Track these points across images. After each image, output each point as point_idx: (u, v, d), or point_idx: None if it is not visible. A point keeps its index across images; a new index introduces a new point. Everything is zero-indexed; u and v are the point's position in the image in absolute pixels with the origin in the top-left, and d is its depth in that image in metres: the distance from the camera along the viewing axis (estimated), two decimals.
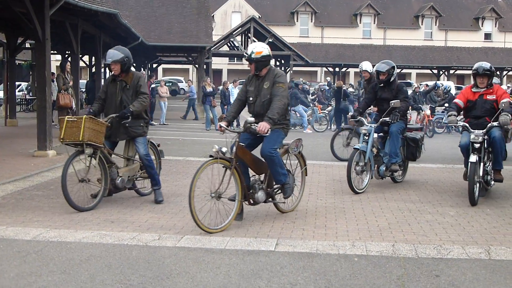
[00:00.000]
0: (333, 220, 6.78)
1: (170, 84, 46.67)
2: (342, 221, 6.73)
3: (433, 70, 48.83)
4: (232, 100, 21.48)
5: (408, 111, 9.16)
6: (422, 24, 60.90)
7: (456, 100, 8.21)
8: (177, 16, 30.99)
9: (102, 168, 7.14)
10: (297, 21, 60.13)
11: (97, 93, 22.01)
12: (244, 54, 6.62)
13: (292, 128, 20.65)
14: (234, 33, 39.56)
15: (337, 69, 46.78)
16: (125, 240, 5.69)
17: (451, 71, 48.22)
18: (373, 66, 9.05)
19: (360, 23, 60.50)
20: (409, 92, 24.55)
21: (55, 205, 7.18)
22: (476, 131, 7.64)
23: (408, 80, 51.75)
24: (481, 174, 7.54)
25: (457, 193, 8.42)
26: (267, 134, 6.24)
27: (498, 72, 49.14)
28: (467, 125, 7.81)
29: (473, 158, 7.44)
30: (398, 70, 52.55)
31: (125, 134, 7.38)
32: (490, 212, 7.22)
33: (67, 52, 23.99)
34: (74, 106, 15.71)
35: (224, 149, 6.05)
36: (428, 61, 46.95)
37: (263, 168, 6.58)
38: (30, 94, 28.71)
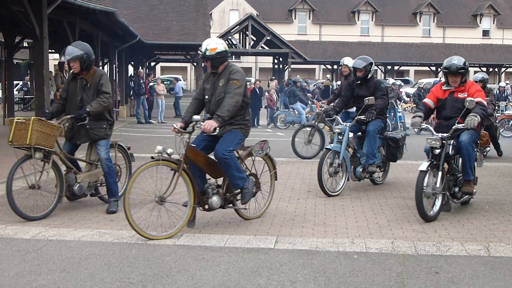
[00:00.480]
0: (332, 217, 6.78)
1: (169, 82, 46.61)
2: (341, 218, 6.73)
3: (431, 67, 48.83)
4: None
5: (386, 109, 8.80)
6: (420, 21, 60.87)
7: (425, 100, 7.33)
8: (175, 14, 30.94)
9: (57, 174, 6.66)
10: (295, 18, 60.06)
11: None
12: (199, 51, 6.24)
13: (291, 126, 20.66)
14: (232, 31, 39.51)
15: (335, 67, 46.75)
16: (125, 239, 5.69)
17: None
18: None
19: (358, 20, 60.45)
20: (414, 89, 24.39)
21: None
22: (438, 134, 6.69)
23: (407, 77, 51.84)
24: (438, 185, 6.51)
25: None
26: (215, 133, 5.82)
27: (496, 69, 49.29)
28: (430, 127, 6.96)
29: (423, 165, 6.45)
30: (397, 68, 52.46)
31: (86, 136, 6.91)
32: (489, 209, 7.23)
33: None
34: None
35: (169, 150, 5.67)
36: (426, 58, 46.96)
37: (221, 172, 6.17)
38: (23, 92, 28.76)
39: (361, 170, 8.36)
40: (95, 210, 6.94)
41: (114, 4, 22.54)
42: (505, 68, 49.51)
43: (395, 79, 26.86)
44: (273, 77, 28.33)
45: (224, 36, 39.33)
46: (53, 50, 23.23)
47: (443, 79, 7.46)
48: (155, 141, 14.08)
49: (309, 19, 60.10)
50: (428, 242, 5.69)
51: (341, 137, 8.13)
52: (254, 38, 40.83)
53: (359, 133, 8.57)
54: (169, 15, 30.66)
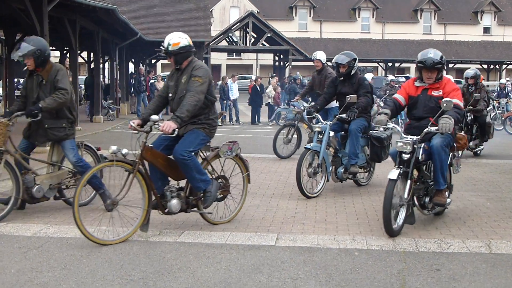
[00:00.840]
0: (334, 214, 6.78)
1: None
2: (342, 215, 6.73)
3: None
4: (231, 96, 21.51)
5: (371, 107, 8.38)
6: (420, 18, 60.78)
7: (396, 95, 6.49)
8: (175, 11, 30.93)
9: (12, 175, 6.24)
10: (295, 15, 59.99)
11: (96, 89, 22.00)
12: (161, 47, 5.92)
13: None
14: (232, 28, 39.51)
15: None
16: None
17: (450, 65, 48.10)
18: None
19: (358, 17, 60.36)
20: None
21: (55, 201, 7.16)
22: (408, 137, 5.92)
23: (407, 75, 51.75)
24: (405, 195, 5.75)
25: (458, 187, 8.40)
26: (174, 135, 5.49)
27: (497, 66, 49.26)
28: (398, 127, 6.23)
29: (393, 173, 5.68)
30: (397, 65, 52.32)
31: (44, 136, 6.52)
32: (491, 206, 7.22)
33: (65, 48, 23.95)
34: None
35: (124, 151, 5.37)
36: None
37: (183, 174, 5.83)
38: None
39: (342, 170, 8.02)
40: (96, 208, 6.94)
41: (114, 2, 22.51)
42: (506, 65, 49.43)
43: (396, 76, 26.81)
44: (274, 74, 28.31)
45: (225, 33, 39.34)
46: (53, 48, 23.22)
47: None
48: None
49: (310, 16, 60.03)
50: (429, 239, 5.69)
51: (321, 136, 7.83)
52: (255, 35, 40.85)
53: (342, 132, 8.24)
54: (169, 12, 30.65)
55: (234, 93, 21.65)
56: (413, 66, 57.94)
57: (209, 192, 5.88)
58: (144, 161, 5.56)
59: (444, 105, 5.73)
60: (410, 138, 5.84)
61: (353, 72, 8.22)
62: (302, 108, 11.09)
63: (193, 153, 5.73)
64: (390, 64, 48.36)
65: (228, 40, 42.22)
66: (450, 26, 60.31)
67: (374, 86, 19.76)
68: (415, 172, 5.94)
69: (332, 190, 8.19)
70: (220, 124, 20.67)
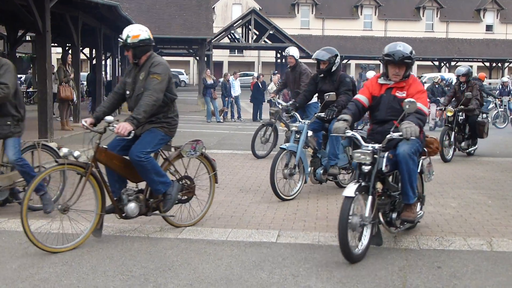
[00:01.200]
0: (335, 211, 6.76)
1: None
2: None
3: (434, 62, 48.73)
4: (233, 93, 21.50)
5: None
6: (423, 16, 60.69)
7: (357, 96, 5.65)
8: (177, 8, 30.94)
9: None
10: (297, 13, 59.93)
11: (98, 86, 21.92)
12: (119, 39, 5.56)
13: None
14: (234, 25, 39.43)
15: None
16: (127, 232, 5.70)
17: (452, 63, 48.05)
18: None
19: (361, 15, 60.30)
20: (428, 84, 23.96)
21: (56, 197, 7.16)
22: (369, 145, 5.08)
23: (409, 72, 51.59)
24: (367, 213, 4.86)
25: (459, 185, 8.41)
26: (130, 137, 5.17)
27: (499, 64, 49.17)
28: (357, 135, 5.25)
29: (349, 189, 4.80)
30: None
31: None
32: (492, 204, 7.21)
33: (67, 44, 23.95)
34: (75, 98, 15.73)
35: (76, 153, 5.11)
36: (429, 53, 46.83)
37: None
38: (25, 86, 28.76)
39: (321, 172, 7.66)
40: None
41: None
42: (508, 63, 49.38)
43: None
44: (276, 72, 28.27)
45: (227, 30, 39.29)
46: (55, 44, 23.23)
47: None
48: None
49: (312, 13, 59.97)
50: (431, 236, 5.68)
51: (298, 136, 7.48)
52: (257, 32, 40.81)
53: (323, 132, 7.87)
54: (172, 9, 30.68)
55: (236, 90, 21.64)
56: (416, 64, 57.85)
57: (170, 195, 5.62)
58: (98, 163, 5.25)
59: (407, 106, 5.01)
60: (371, 146, 5.03)
61: (334, 68, 7.84)
62: (279, 106, 10.89)
63: (150, 154, 5.44)
64: None
65: (230, 37, 42.17)
66: (452, 24, 60.21)
67: None
68: (379, 185, 5.15)
69: (333, 187, 8.18)
70: (221, 121, 20.70)
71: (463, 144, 11.40)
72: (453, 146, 11.05)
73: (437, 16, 60.87)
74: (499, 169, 10.01)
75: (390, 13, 60.13)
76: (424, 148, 5.64)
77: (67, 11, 15.35)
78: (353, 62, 53.98)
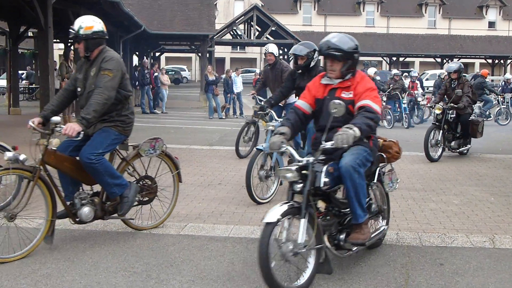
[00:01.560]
0: None
1: (173, 72, 46.59)
2: None
3: (436, 59, 48.62)
4: (235, 89, 21.48)
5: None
6: (425, 13, 60.57)
7: (297, 102, 4.82)
8: (180, 4, 30.93)
9: None
10: (300, 9, 59.85)
11: None
12: (70, 30, 5.23)
13: None
14: (237, 21, 39.37)
15: None
16: (129, 228, 5.69)
17: (455, 60, 47.97)
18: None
19: (363, 11, 60.19)
20: (432, 81, 23.78)
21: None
22: (303, 160, 4.23)
23: (412, 69, 51.60)
24: (300, 239, 3.96)
25: (461, 182, 8.40)
26: (79, 139, 4.88)
27: (502, 61, 49.08)
28: (292, 150, 4.36)
29: (272, 214, 3.91)
30: (402, 59, 52.01)
31: None
32: (494, 201, 7.21)
33: (69, 41, 23.97)
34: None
35: (22, 157, 4.82)
36: (431, 50, 46.76)
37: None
38: (25, 81, 28.84)
39: None
40: None
41: None
42: (511, 60, 49.24)
43: (400, 70, 26.67)
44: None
45: (229, 26, 39.25)
46: (58, 40, 23.23)
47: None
48: (160, 131, 14.06)
49: (314, 10, 59.88)
50: (433, 233, 5.68)
51: None
52: (259, 29, 40.74)
53: (303, 131, 7.47)
54: (174, 6, 30.66)
55: (238, 87, 21.63)
56: (417, 61, 57.81)
57: (126, 198, 5.27)
58: (47, 166, 4.94)
59: (333, 109, 4.23)
60: (306, 160, 4.20)
61: (312, 64, 7.49)
62: (261, 103, 10.54)
63: (102, 155, 5.08)
64: (394, 59, 48.20)
65: (232, 33, 42.16)
66: (455, 21, 60.09)
67: (379, 80, 19.69)
68: (321, 204, 4.31)
69: None
70: (223, 117, 20.69)
71: (453, 143, 10.91)
72: (441, 145, 10.59)
73: (439, 13, 60.76)
74: (501, 166, 9.99)
75: (393, 9, 60.01)
76: (382, 154, 4.94)
77: (69, 7, 15.36)
78: None
